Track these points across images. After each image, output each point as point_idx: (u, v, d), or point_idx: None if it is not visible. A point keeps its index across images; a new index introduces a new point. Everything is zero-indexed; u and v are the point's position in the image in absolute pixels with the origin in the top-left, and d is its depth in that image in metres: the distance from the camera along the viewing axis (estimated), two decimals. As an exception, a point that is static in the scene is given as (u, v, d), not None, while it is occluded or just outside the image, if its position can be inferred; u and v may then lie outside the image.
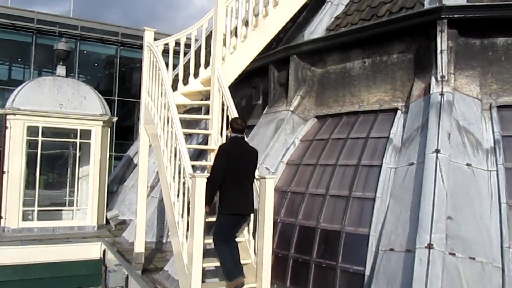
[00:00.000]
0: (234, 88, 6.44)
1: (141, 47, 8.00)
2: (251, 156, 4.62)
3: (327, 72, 6.19)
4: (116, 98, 24.95)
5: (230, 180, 4.40)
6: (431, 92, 4.84)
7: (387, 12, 5.75)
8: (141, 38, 6.96)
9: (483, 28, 5.01)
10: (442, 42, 4.89)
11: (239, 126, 4.64)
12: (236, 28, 6.31)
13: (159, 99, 5.66)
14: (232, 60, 6.04)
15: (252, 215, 4.71)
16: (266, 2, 6.63)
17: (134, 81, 25.96)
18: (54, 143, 11.00)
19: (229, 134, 4.90)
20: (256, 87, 7.35)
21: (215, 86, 5.68)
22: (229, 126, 4.88)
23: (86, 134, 9.41)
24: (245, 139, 4.83)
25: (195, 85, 6.52)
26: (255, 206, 4.68)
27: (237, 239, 4.74)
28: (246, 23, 6.45)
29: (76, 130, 9.42)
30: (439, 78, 4.86)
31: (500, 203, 4.24)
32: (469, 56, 5.03)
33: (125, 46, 25.68)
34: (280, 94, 6.55)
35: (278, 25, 6.49)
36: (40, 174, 9.48)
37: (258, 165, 4.88)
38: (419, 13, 5.15)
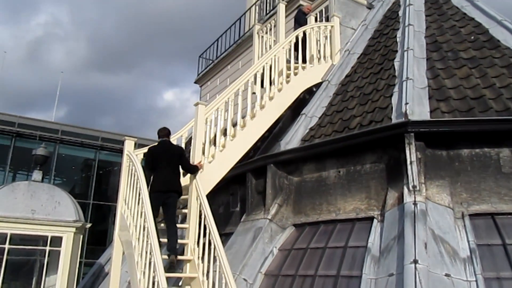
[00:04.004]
0: (212, 195, 6.47)
1: (120, 151, 8.11)
2: (171, 151, 5.98)
3: (304, 181, 6.34)
4: (91, 201, 24.46)
5: (155, 170, 5.86)
6: (404, 201, 4.97)
7: (358, 125, 6.11)
8: (121, 142, 7.10)
9: (448, 141, 5.34)
10: (411, 153, 5.15)
11: (160, 134, 6.15)
12: (215, 137, 6.54)
13: (136, 207, 5.61)
14: (211, 169, 6.15)
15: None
16: (244, 113, 6.98)
17: (111, 184, 25.74)
18: (21, 249, 10.48)
19: None
20: (234, 194, 7.39)
21: (193, 195, 5.71)
22: None
23: (56, 241, 9.08)
24: (170, 140, 6.29)
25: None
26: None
27: None
28: (225, 133, 6.71)
29: (47, 237, 9.08)
30: (411, 188, 5.02)
31: (482, 316, 4.15)
32: (437, 166, 5.28)
33: (105, 149, 25.92)
34: (258, 202, 6.59)
35: (255, 135, 6.77)
36: (2, 283, 8.89)
37: (236, 274, 5.57)
38: (387, 127, 5.49)
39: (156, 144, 6.18)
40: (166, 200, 5.71)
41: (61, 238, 9.04)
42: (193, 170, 5.99)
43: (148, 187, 5.65)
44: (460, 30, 7.27)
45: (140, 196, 5.41)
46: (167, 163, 5.84)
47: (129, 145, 6.44)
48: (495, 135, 5.23)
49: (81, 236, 9.48)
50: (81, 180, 26.67)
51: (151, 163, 5.94)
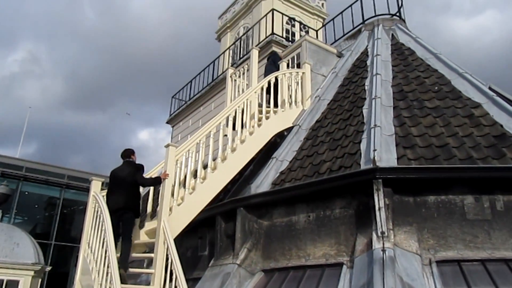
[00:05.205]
0: (180, 238, 6.32)
1: (87, 190, 7.92)
2: (125, 172, 6.21)
3: (274, 225, 6.28)
4: (53, 242, 23.42)
5: (111, 189, 6.17)
6: (373, 247, 4.97)
7: (327, 170, 6.18)
8: (87, 180, 6.97)
9: (414, 187, 5.44)
10: (379, 199, 5.20)
11: (121, 156, 6.50)
12: (185, 178, 6.47)
13: (100, 250, 5.41)
14: (179, 211, 6.04)
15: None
16: (215, 155, 6.96)
17: (75, 223, 24.83)
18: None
19: None
20: (203, 237, 7.24)
21: (160, 239, 5.56)
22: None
23: (13, 285, 8.56)
24: (131, 160, 6.49)
25: (139, 236, 6.34)
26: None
27: None
28: (195, 175, 6.64)
29: (2, 280, 8.56)
30: (379, 234, 5.05)
31: None
32: (405, 212, 5.34)
33: (70, 188, 25.14)
34: (227, 246, 6.46)
35: (226, 178, 6.74)
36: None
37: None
38: (356, 173, 5.57)
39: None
40: (121, 218, 5.93)
41: (17, 282, 8.53)
42: (152, 182, 6.34)
43: None
44: (425, 80, 7.60)
45: (105, 240, 5.23)
46: (121, 182, 6.08)
47: (95, 185, 6.29)
48: (459, 182, 5.37)
49: (40, 280, 8.99)
50: (44, 220, 25.65)
51: (109, 185, 6.22)
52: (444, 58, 8.04)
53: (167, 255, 5.42)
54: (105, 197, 6.13)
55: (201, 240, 7.31)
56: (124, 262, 5.54)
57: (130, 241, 5.88)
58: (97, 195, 6.01)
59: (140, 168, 6.34)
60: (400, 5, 10.15)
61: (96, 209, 5.94)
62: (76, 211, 24.93)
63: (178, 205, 6.12)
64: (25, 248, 8.96)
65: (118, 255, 5.62)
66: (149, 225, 6.40)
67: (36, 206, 25.67)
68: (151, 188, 7.14)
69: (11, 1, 61.45)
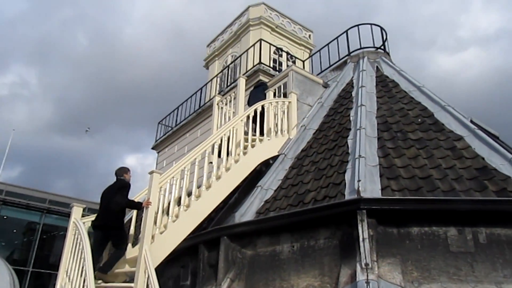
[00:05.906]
0: (161, 267, 6.19)
1: (68, 215, 7.77)
2: (111, 190, 6.37)
3: (257, 255, 6.18)
4: (31, 269, 22.72)
5: (99, 206, 6.31)
6: (357, 279, 4.92)
7: (312, 200, 6.17)
8: (70, 205, 6.85)
9: (398, 219, 5.44)
10: (363, 230, 5.19)
11: (115, 174, 6.58)
12: (168, 206, 6.38)
13: (78, 279, 5.26)
14: (162, 240, 5.93)
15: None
16: (200, 183, 6.91)
17: (54, 250, 24.18)
18: None
19: None
20: (185, 266, 7.08)
21: (141, 268, 5.43)
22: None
23: (-15, 315, 8.22)
24: (122, 178, 6.55)
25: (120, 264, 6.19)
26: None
27: None
28: (179, 202, 6.56)
29: (-26, 310, 8.23)
30: (363, 266, 5.01)
31: None
32: (389, 244, 5.32)
33: (51, 213, 24.60)
34: (210, 275, 6.33)
35: (210, 206, 6.67)
36: None
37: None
38: (340, 204, 5.57)
39: None
40: (107, 237, 6.22)
41: (-10, 312, 8.21)
42: (132, 205, 6.33)
43: None
44: (408, 112, 7.74)
45: (84, 268, 5.09)
46: (106, 200, 6.24)
47: (76, 212, 6.17)
48: (442, 214, 5.39)
49: (14, 310, 8.66)
50: (22, 245, 24.93)
51: (100, 203, 6.38)
52: (427, 91, 8.21)
53: (147, 284, 5.29)
54: (85, 223, 6.03)
55: (183, 269, 7.15)
56: (105, 266, 5.86)
57: (120, 250, 6.09)
58: (77, 222, 5.89)
59: (123, 187, 6.39)
60: (384, 39, 10.43)
61: (76, 236, 5.80)
62: (57, 236, 24.31)
63: (161, 233, 6.02)
64: (1, 275, 8.66)
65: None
66: (130, 253, 6.27)
67: (15, 231, 24.99)
68: (134, 214, 7.03)
69: (3, 24, 61.71)
